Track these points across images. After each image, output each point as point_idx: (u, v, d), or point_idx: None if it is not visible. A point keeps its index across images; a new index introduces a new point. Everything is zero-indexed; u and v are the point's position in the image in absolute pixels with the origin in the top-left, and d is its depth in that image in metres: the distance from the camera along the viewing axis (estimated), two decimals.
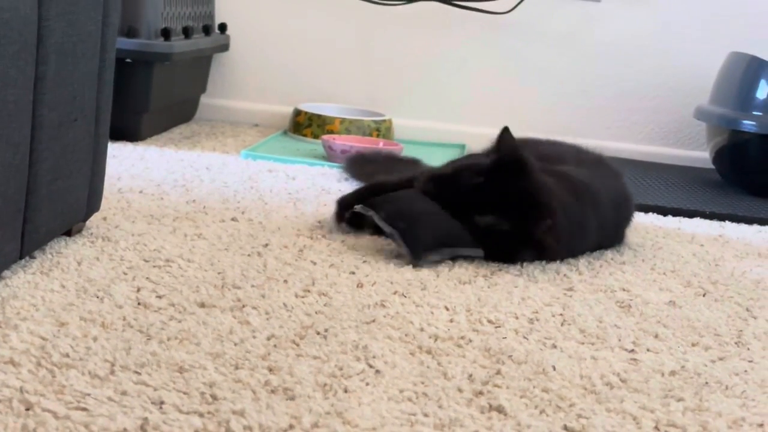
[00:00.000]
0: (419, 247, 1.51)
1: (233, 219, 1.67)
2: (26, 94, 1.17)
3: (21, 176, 1.19)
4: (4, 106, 1.11)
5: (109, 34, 1.42)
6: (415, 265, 1.49)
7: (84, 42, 1.33)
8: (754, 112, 2.48)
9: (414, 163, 2.15)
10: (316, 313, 1.23)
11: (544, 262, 1.58)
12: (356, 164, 2.15)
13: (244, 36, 2.92)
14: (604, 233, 1.72)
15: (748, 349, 1.27)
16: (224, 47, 2.84)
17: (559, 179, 1.65)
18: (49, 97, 1.23)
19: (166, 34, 2.34)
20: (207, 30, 2.69)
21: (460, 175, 1.61)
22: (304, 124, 2.68)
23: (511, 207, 1.55)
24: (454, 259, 1.54)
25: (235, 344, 1.09)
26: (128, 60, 2.26)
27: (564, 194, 1.62)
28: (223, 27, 2.84)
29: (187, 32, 2.50)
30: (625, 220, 1.81)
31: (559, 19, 2.90)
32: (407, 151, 2.40)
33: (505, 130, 1.64)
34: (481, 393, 1.02)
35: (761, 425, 1.02)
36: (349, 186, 2.02)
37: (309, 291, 1.31)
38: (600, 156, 1.89)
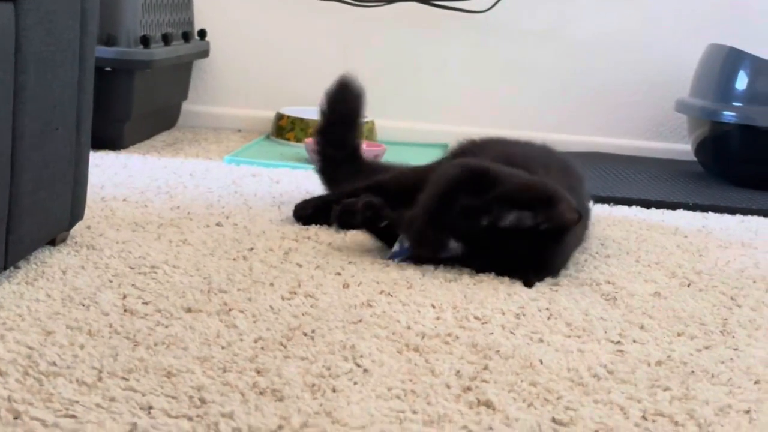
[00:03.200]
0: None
1: (218, 224, 1.67)
2: (6, 104, 1.17)
3: (3, 187, 1.19)
4: None
5: (88, 43, 1.42)
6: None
7: (63, 51, 1.33)
8: (734, 103, 2.49)
9: None
10: (302, 314, 1.23)
11: None
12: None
13: (224, 42, 2.92)
14: None
15: (734, 337, 1.28)
16: (204, 53, 2.84)
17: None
18: (30, 106, 1.23)
19: (145, 41, 2.34)
20: (186, 36, 2.69)
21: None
22: (287, 128, 2.68)
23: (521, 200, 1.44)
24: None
25: (223, 348, 1.09)
26: (108, 68, 2.26)
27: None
28: (202, 33, 2.84)
29: (166, 39, 2.49)
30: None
31: (537, 16, 2.91)
32: (390, 152, 2.40)
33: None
34: (469, 388, 1.03)
35: (747, 412, 1.02)
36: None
37: (295, 293, 1.31)
38: (566, 160, 1.83)
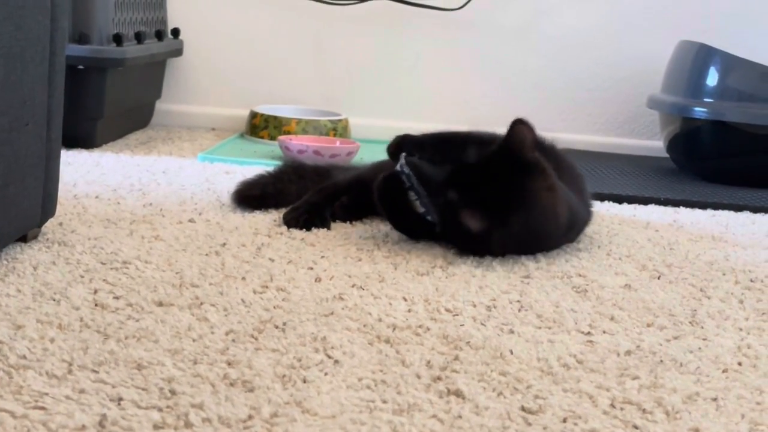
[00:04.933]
0: None
1: (191, 220, 1.67)
2: None
3: None
4: None
5: (58, 38, 1.42)
6: None
7: (32, 46, 1.33)
8: (705, 99, 2.51)
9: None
10: (274, 307, 1.23)
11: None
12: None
13: (197, 40, 2.92)
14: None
15: (702, 327, 1.29)
16: (178, 52, 2.84)
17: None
18: None
19: (118, 39, 2.33)
20: (160, 35, 2.68)
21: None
22: (261, 126, 2.68)
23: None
24: (410, 251, 1.56)
25: (194, 340, 1.09)
26: (81, 66, 2.25)
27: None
28: (176, 32, 2.84)
29: (139, 37, 2.49)
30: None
31: (510, 13, 2.92)
32: (364, 150, 2.40)
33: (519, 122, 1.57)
34: (439, 378, 1.03)
35: (715, 399, 1.03)
36: None
37: (267, 287, 1.31)
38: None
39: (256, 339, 1.11)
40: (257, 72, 2.94)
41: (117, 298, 1.22)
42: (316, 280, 1.37)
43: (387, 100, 2.95)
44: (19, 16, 1.27)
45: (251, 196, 1.80)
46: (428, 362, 1.08)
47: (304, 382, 1.00)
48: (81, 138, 2.32)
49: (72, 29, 2.24)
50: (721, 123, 2.47)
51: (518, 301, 1.35)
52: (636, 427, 0.95)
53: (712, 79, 2.52)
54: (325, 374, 1.02)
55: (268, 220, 1.72)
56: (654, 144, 2.92)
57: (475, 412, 0.95)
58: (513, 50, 2.94)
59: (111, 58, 2.30)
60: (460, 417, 0.94)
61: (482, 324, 1.23)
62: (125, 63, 2.34)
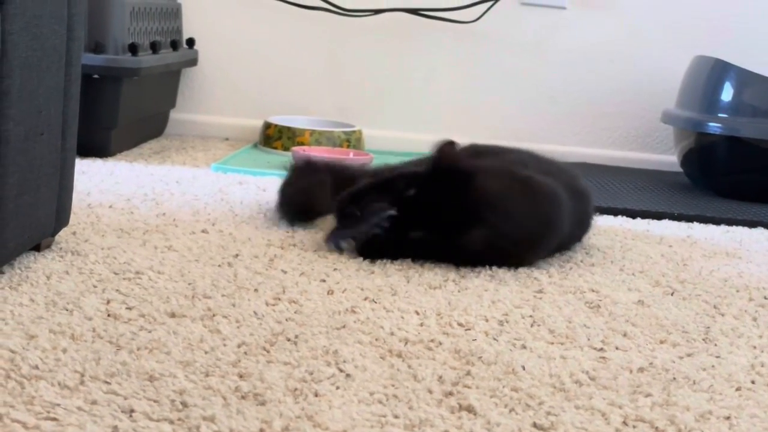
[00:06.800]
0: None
1: (204, 231, 1.67)
2: None
3: None
4: None
5: (74, 48, 1.42)
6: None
7: (49, 56, 1.33)
8: (720, 115, 2.51)
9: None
10: (286, 320, 1.23)
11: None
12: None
13: (212, 50, 2.93)
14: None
15: (716, 345, 1.28)
16: (193, 62, 2.85)
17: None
18: (15, 111, 1.23)
19: (133, 49, 2.34)
20: (175, 45, 2.69)
21: (390, 186, 1.62)
22: (275, 137, 2.68)
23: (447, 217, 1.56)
24: (423, 264, 1.56)
25: (206, 352, 1.09)
26: (96, 76, 2.26)
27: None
28: (191, 42, 2.85)
29: (154, 47, 2.50)
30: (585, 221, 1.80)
31: (525, 27, 2.93)
32: (378, 161, 2.40)
33: (448, 144, 1.65)
34: (451, 393, 1.03)
35: (728, 418, 1.03)
36: None
37: (279, 299, 1.31)
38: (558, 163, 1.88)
39: (268, 351, 1.11)
40: (271, 82, 2.95)
41: (129, 308, 1.22)
42: (328, 293, 1.36)
43: (401, 111, 2.95)
44: (36, 26, 1.27)
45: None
46: (440, 377, 1.08)
47: (316, 395, 0.99)
48: (95, 147, 2.32)
49: (88, 39, 2.25)
50: (736, 138, 2.46)
51: (531, 316, 1.34)
52: None
53: (727, 94, 2.52)
54: (337, 388, 1.02)
55: (281, 231, 1.72)
56: (668, 159, 2.91)
57: (487, 429, 0.95)
58: (527, 64, 2.94)
59: (126, 68, 2.31)
60: None
61: (494, 339, 1.23)
62: (140, 72, 2.34)
